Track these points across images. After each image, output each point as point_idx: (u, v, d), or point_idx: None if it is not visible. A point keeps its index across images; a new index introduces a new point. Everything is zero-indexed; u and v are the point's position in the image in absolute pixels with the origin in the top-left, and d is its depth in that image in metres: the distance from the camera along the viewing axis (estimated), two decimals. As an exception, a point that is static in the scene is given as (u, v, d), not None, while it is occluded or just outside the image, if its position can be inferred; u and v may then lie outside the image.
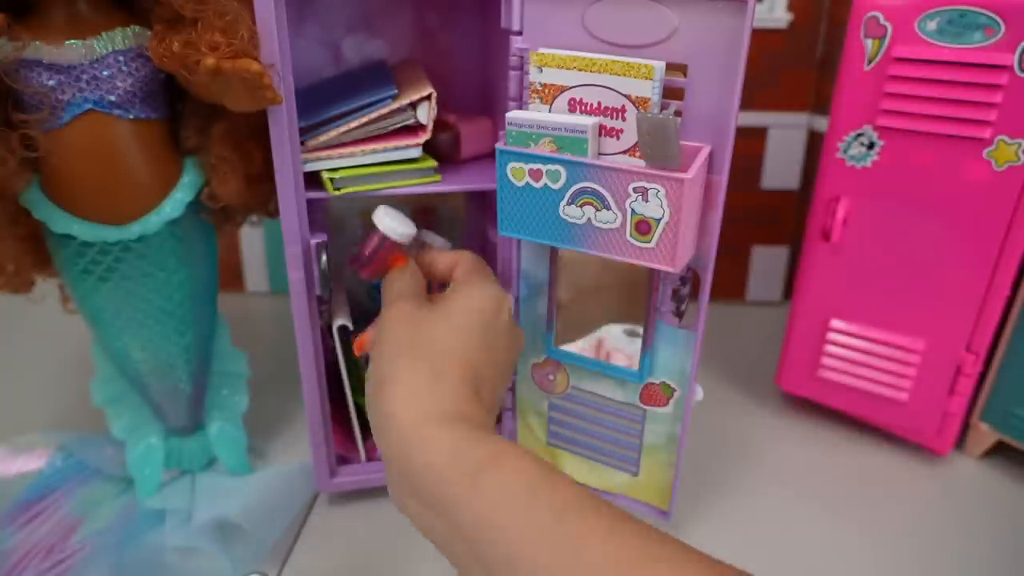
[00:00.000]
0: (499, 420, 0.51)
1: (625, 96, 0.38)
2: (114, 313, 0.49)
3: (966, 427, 0.60)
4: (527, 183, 0.40)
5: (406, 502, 0.34)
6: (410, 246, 0.45)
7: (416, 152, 0.47)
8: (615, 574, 0.27)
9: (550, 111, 0.41)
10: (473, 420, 0.35)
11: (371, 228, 0.44)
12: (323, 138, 0.45)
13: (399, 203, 0.58)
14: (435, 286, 0.46)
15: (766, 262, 0.85)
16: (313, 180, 0.46)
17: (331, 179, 0.45)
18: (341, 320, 0.48)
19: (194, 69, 0.38)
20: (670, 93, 0.39)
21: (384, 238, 0.44)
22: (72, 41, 0.41)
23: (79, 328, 0.52)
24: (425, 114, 0.46)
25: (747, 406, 0.68)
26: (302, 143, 0.44)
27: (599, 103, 0.39)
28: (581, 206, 0.39)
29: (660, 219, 0.37)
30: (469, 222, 0.63)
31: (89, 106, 0.42)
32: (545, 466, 0.32)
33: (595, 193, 0.38)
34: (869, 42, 0.51)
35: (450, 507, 0.32)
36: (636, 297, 0.46)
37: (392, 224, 0.43)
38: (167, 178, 0.46)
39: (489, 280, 0.43)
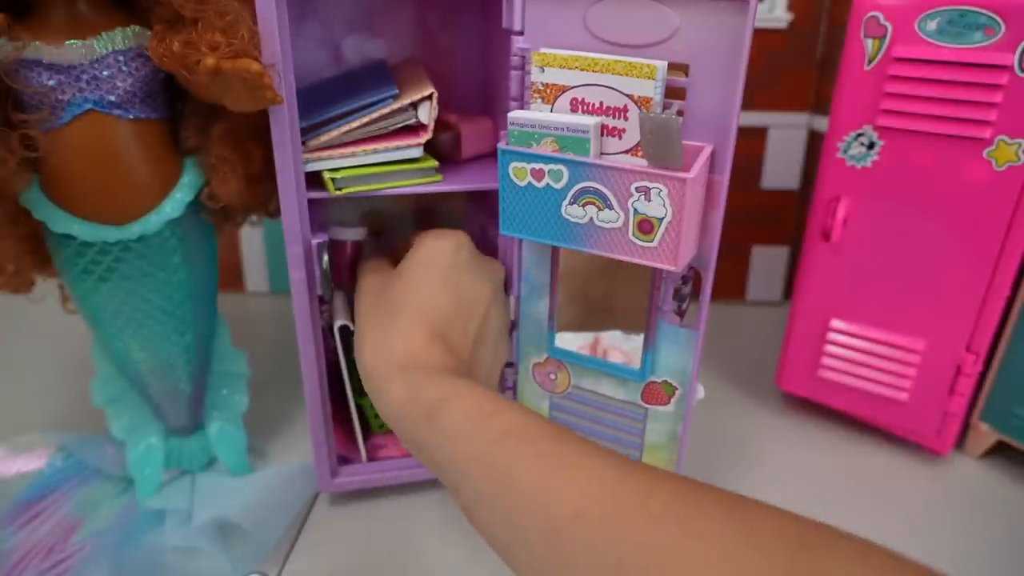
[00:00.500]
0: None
1: (627, 96, 0.38)
2: (114, 313, 0.49)
3: (966, 427, 0.60)
4: (529, 183, 0.40)
5: (402, 443, 0.39)
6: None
7: (417, 152, 0.47)
8: (542, 492, 0.30)
9: (552, 111, 0.41)
10: (431, 364, 0.39)
11: (335, 247, 0.51)
12: (324, 138, 0.44)
13: (399, 203, 0.58)
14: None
15: (766, 262, 0.86)
16: (314, 180, 0.46)
17: (332, 179, 0.45)
18: (342, 320, 0.48)
19: (194, 69, 0.38)
20: (672, 93, 0.39)
21: (353, 243, 0.52)
22: (72, 41, 0.41)
23: (79, 328, 0.52)
24: (426, 114, 0.46)
25: (747, 406, 0.68)
26: (303, 143, 0.44)
27: (601, 103, 0.39)
28: (583, 206, 0.39)
29: (662, 218, 0.37)
30: (470, 222, 0.63)
31: (89, 106, 0.42)
32: (491, 399, 0.35)
33: (597, 193, 0.38)
34: (869, 42, 0.51)
35: (419, 446, 0.36)
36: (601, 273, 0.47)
37: (351, 232, 0.51)
38: (167, 178, 0.46)
39: (441, 231, 0.45)
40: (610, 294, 0.50)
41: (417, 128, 0.47)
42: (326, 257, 0.47)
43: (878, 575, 0.24)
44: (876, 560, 0.25)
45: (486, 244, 0.51)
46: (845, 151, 0.55)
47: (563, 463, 0.31)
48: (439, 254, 0.44)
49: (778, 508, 0.28)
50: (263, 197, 0.51)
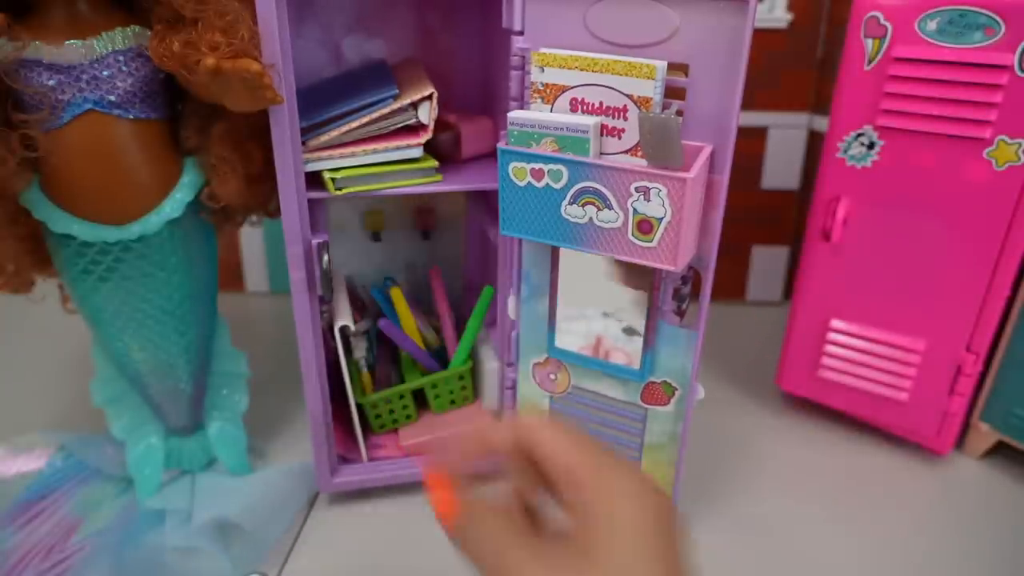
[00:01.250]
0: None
1: (627, 96, 0.38)
2: (114, 313, 0.49)
3: (966, 427, 0.60)
4: (529, 183, 0.40)
5: None
6: None
7: (417, 152, 0.47)
8: None
9: (552, 111, 0.41)
10: None
11: None
12: (324, 138, 0.45)
13: (399, 202, 0.58)
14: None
15: (766, 262, 0.86)
16: (314, 180, 0.46)
17: (332, 179, 0.45)
18: (342, 320, 0.48)
19: (194, 69, 0.38)
20: (672, 93, 0.39)
21: None
22: (72, 41, 0.41)
23: (79, 328, 0.52)
24: (426, 114, 0.46)
25: (747, 406, 0.68)
26: (303, 143, 0.44)
27: (601, 103, 0.39)
28: (583, 205, 0.39)
29: (662, 218, 0.37)
30: (470, 222, 0.63)
31: (89, 106, 0.42)
32: None
33: (597, 192, 0.38)
34: (869, 42, 0.51)
35: None
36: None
37: None
38: (167, 178, 0.46)
39: (633, 479, 0.27)
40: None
41: (417, 128, 0.47)
42: (326, 257, 0.46)
43: None
44: None
45: (486, 244, 0.51)
46: (845, 151, 0.55)
47: None
48: (656, 524, 0.27)
49: None
50: (263, 197, 0.51)
